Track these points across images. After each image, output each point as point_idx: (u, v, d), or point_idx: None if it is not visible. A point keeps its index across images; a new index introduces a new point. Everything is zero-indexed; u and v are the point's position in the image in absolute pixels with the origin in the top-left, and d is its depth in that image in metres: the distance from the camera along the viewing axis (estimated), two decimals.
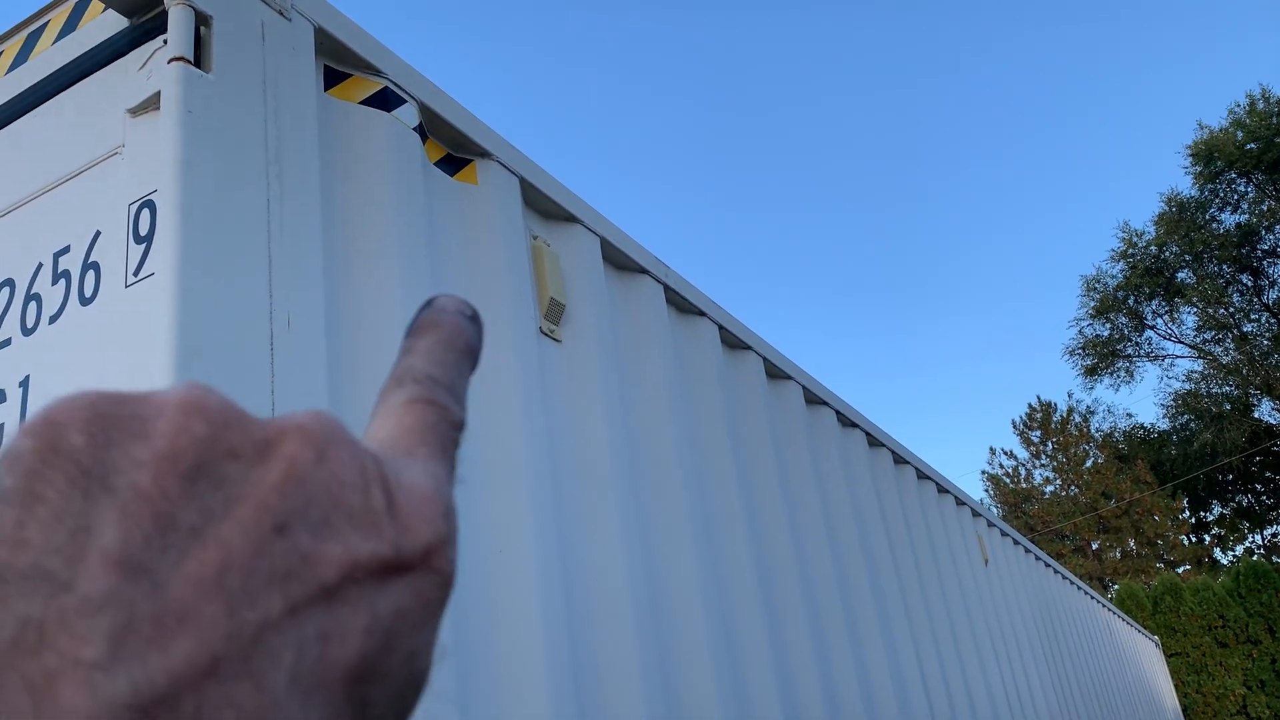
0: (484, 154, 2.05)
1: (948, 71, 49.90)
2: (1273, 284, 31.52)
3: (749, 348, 3.20)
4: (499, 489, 1.78)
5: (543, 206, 2.25)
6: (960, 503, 5.03)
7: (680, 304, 2.84)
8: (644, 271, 2.61)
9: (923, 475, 4.56)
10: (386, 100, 1.82)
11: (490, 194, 2.03)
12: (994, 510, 33.03)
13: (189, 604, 0.24)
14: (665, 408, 2.51)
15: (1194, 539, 33.18)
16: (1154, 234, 31.39)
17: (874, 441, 4.11)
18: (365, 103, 1.80)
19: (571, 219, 2.32)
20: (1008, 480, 34.11)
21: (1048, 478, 33.95)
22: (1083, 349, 32.83)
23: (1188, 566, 31.80)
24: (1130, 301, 32.15)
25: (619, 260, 2.54)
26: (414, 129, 1.86)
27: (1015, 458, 34.62)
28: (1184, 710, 20.82)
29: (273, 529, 0.25)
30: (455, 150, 2.02)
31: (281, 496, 0.26)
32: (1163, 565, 31.38)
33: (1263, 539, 33.35)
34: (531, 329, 2.00)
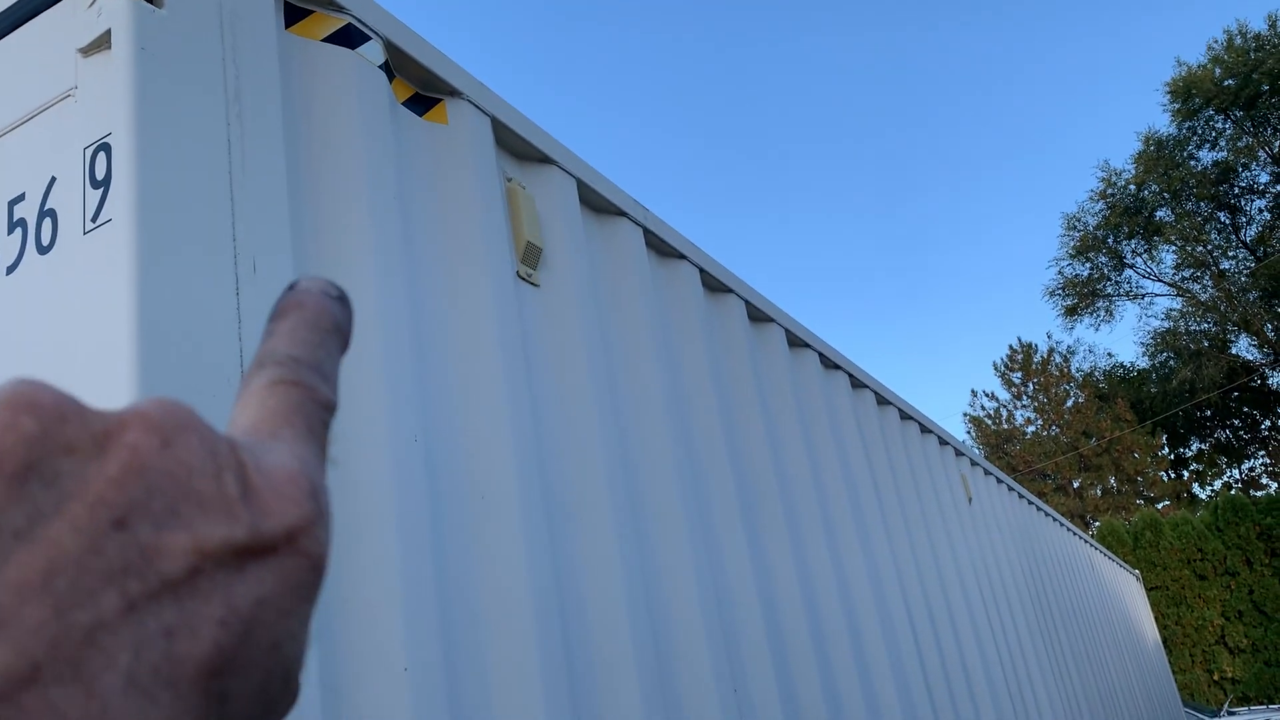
0: (454, 93, 1.99)
1: (929, 8, 49.46)
2: (1250, 221, 31.65)
3: (731, 291, 3.17)
4: (476, 440, 1.75)
5: (516, 147, 2.20)
6: (943, 443, 5.04)
7: (660, 247, 2.80)
8: (622, 214, 2.57)
9: (905, 416, 4.57)
10: (350, 37, 1.76)
11: (461, 134, 1.98)
12: (977, 451, 33.32)
13: (7, 610, 0.22)
14: (647, 351, 2.49)
15: (1173, 475, 33.63)
16: (1133, 173, 31.39)
17: (857, 383, 4.10)
18: (328, 40, 1.74)
19: (546, 160, 2.27)
20: (989, 422, 34.39)
21: (1029, 418, 34.26)
22: (1063, 289, 32.97)
23: (1167, 502, 32.26)
24: (1110, 241, 32.25)
25: (596, 203, 2.49)
26: (379, 67, 1.80)
27: (997, 399, 34.87)
28: (1164, 641, 21.24)
29: (110, 524, 0.24)
30: (424, 89, 1.96)
31: (120, 489, 0.25)
32: (1143, 501, 31.83)
33: (1240, 473, 33.83)
34: (508, 273, 1.96)
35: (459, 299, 1.83)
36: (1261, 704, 19.74)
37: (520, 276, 2.04)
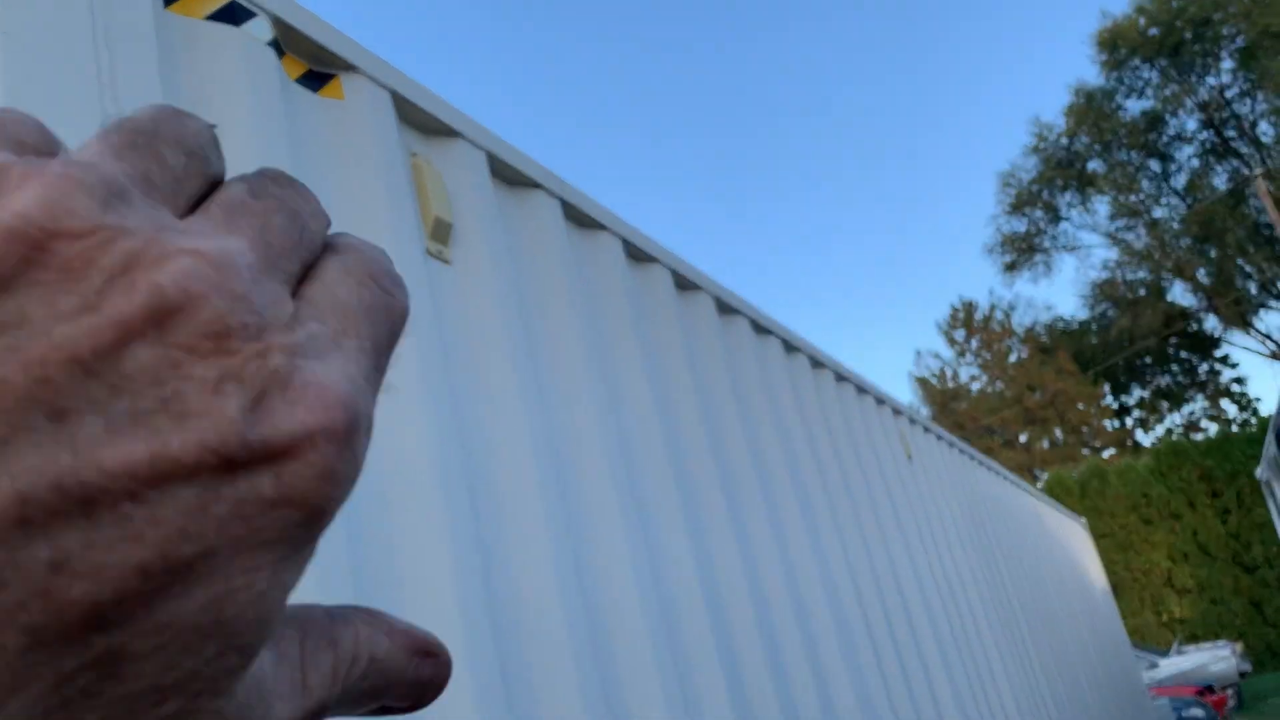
0: (349, 68, 1.94)
1: None
2: (1180, 168, 32.31)
3: (655, 260, 3.15)
4: (391, 421, 1.72)
5: (420, 121, 2.15)
6: (880, 401, 5.08)
7: (580, 218, 2.77)
8: (537, 186, 2.53)
9: (841, 377, 4.59)
10: (234, 14, 1.70)
11: (360, 110, 1.93)
12: (923, 411, 33.83)
13: None
14: (570, 326, 2.46)
15: (1117, 424, 34.40)
16: (1065, 126, 31.85)
17: (790, 348, 4.11)
18: (211, 18, 1.69)
19: (453, 133, 2.22)
20: (935, 381, 34.87)
21: (974, 375, 34.81)
22: (1001, 245, 33.47)
23: (1112, 450, 33.04)
24: (1045, 195, 32.73)
25: (509, 175, 2.45)
26: (268, 44, 1.75)
27: (941, 359, 35.38)
28: (1114, 587, 21.77)
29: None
30: (317, 65, 1.91)
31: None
32: (1088, 451, 32.55)
33: (1181, 418, 34.70)
34: (417, 251, 1.92)
35: None
36: (1209, 641, 20.34)
37: (430, 254, 2.01)
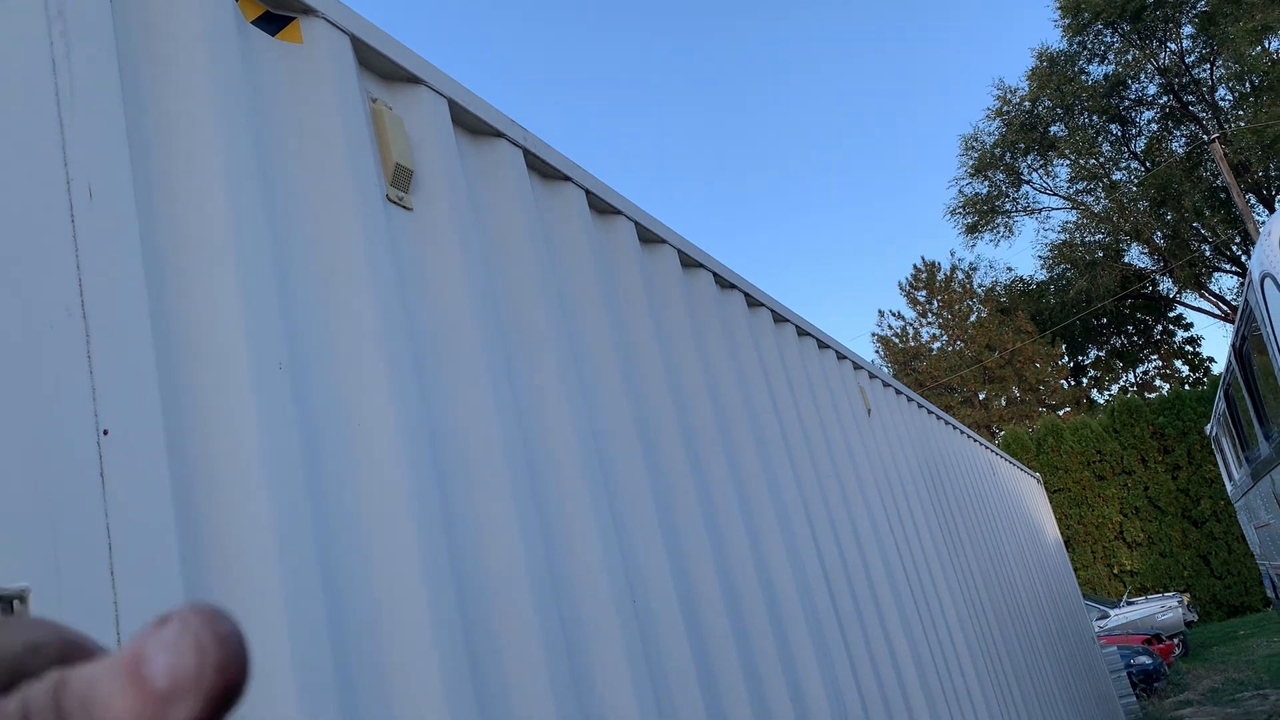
0: (308, 10, 1.91)
1: None
2: (1139, 132, 32.61)
3: (620, 213, 3.15)
4: (349, 365, 1.72)
5: (380, 67, 2.13)
6: (841, 356, 5.13)
7: (543, 169, 2.76)
8: (499, 135, 2.51)
9: (803, 332, 4.63)
10: None
11: (318, 53, 1.90)
12: (885, 369, 34.18)
13: None
14: (532, 276, 2.46)
15: (1073, 382, 34.94)
16: (1027, 89, 31.98)
17: (753, 302, 4.14)
18: None
19: (414, 80, 2.20)
20: (897, 340, 35.17)
21: (934, 334, 35.14)
22: (963, 208, 33.70)
23: (1068, 409, 33.56)
24: (1007, 158, 32.93)
25: (471, 124, 2.43)
26: None
27: (903, 318, 35.65)
28: (1066, 541, 22.24)
29: None
30: (275, 7, 1.88)
31: None
32: (1045, 409, 33.03)
33: (1135, 377, 35.33)
34: (377, 196, 1.91)
35: (324, 224, 1.78)
36: (1158, 593, 20.88)
37: (390, 200, 1.99)
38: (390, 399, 1.72)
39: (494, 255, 2.36)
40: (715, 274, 3.82)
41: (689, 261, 3.64)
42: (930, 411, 7.17)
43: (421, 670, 1.60)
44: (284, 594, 1.39)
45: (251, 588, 1.38)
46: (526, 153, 2.64)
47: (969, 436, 8.64)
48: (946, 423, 7.70)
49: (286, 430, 1.49)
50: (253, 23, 1.82)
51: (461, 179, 2.24)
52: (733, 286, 3.97)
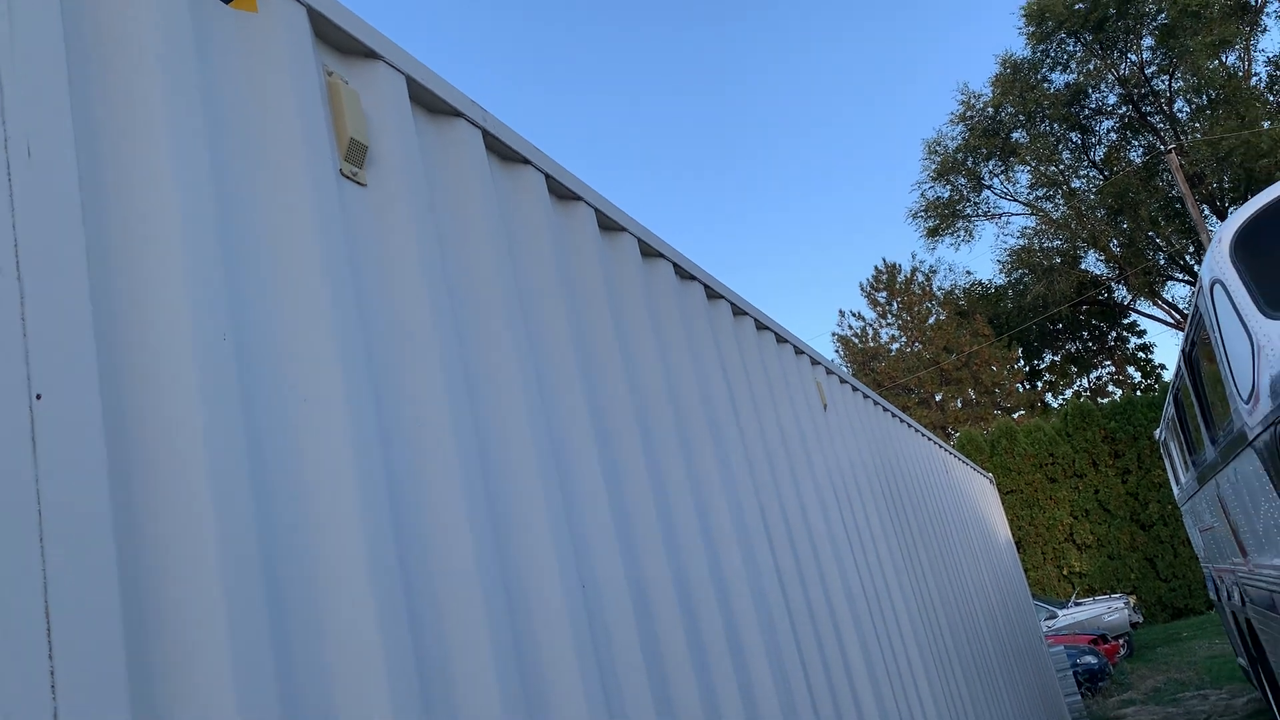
0: None
1: None
2: (1099, 141, 33.08)
3: (580, 199, 3.13)
4: (297, 339, 1.69)
5: (338, 40, 2.09)
6: (799, 351, 5.15)
7: (502, 151, 2.74)
8: (458, 114, 2.49)
9: (761, 326, 4.64)
10: None
11: (273, 23, 1.87)
12: (845, 369, 34.42)
13: None
14: (488, 260, 2.43)
15: (1028, 386, 35.40)
16: (991, 95, 32.32)
17: (712, 294, 4.14)
18: None
19: (372, 55, 2.17)
20: (856, 340, 35.43)
21: (894, 335, 35.45)
22: (925, 211, 34.02)
23: (1022, 411, 33.99)
24: (969, 163, 33.27)
25: (429, 102, 2.41)
26: None
27: (863, 319, 35.93)
28: (1018, 541, 22.54)
29: None
30: None
31: None
32: (1000, 411, 33.44)
33: (1089, 382, 35.87)
34: (330, 170, 1.88)
35: (274, 195, 1.75)
36: (1105, 594, 21.23)
37: (344, 175, 1.96)
38: (338, 374, 1.70)
39: (449, 235, 2.34)
40: (675, 264, 3.81)
41: (649, 251, 3.63)
42: (886, 409, 7.22)
43: (364, 651, 1.58)
44: (221, 572, 1.37)
45: (188, 565, 1.35)
46: (486, 134, 2.61)
47: (924, 435, 8.72)
48: (902, 421, 7.77)
49: (229, 403, 1.46)
50: None
51: (418, 157, 2.21)
52: (692, 278, 3.96)
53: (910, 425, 8.10)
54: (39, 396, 1.20)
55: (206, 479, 1.38)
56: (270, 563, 1.48)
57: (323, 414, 1.67)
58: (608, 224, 3.34)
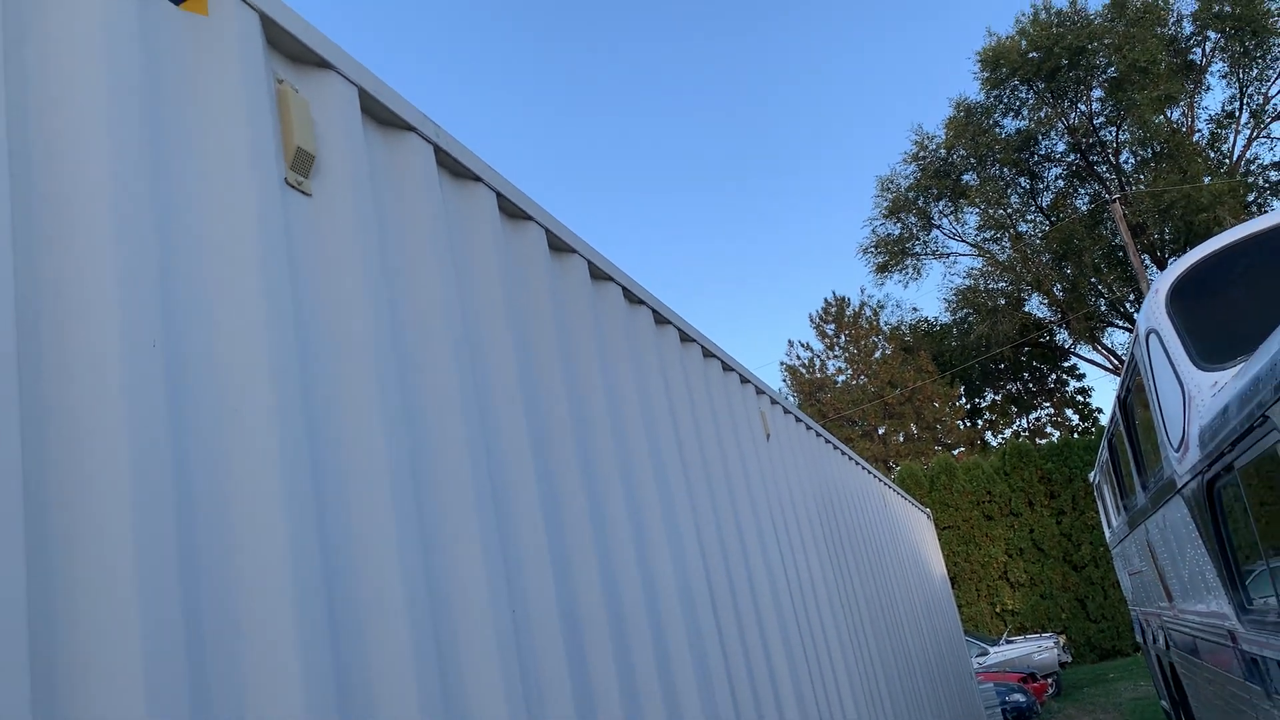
0: None
1: None
2: (1047, 187, 33.80)
3: (530, 218, 3.12)
4: (230, 349, 1.66)
5: (290, 49, 2.07)
6: (744, 380, 5.17)
7: (453, 167, 2.72)
8: (410, 129, 2.47)
9: (708, 353, 4.65)
10: None
11: (224, 27, 1.84)
12: (792, 398, 34.65)
13: None
14: (433, 277, 2.41)
15: (968, 423, 35.92)
16: (944, 137, 32.92)
17: (660, 319, 4.14)
18: None
19: (324, 65, 2.14)
20: (804, 371, 35.71)
21: (840, 368, 35.78)
22: (875, 247, 34.52)
23: (962, 449, 34.45)
24: (920, 202, 33.81)
25: (382, 115, 2.38)
26: None
27: (811, 349, 36.25)
28: (953, 577, 22.78)
29: None
30: None
31: None
32: (940, 447, 33.84)
33: (1028, 423, 36.48)
34: (274, 178, 1.85)
35: (214, 200, 1.72)
36: (1036, 633, 21.51)
37: (289, 183, 1.94)
38: (269, 388, 1.66)
39: (394, 251, 2.31)
40: (624, 288, 3.81)
41: (598, 274, 3.63)
42: (828, 441, 7.27)
43: (281, 670, 1.54)
44: (139, 586, 1.33)
45: (105, 580, 1.31)
46: (438, 149, 2.60)
47: (864, 468, 8.79)
48: (843, 453, 7.83)
49: (153, 410, 1.42)
50: None
51: (366, 169, 2.19)
52: (641, 302, 3.97)
53: (851, 458, 8.17)
54: None
55: (127, 485, 1.34)
56: (191, 575, 1.44)
57: (251, 427, 1.64)
58: (558, 244, 3.33)
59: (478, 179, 2.81)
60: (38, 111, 1.44)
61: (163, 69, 1.72)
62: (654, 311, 4.07)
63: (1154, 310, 4.67)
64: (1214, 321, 4.47)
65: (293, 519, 1.63)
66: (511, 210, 3.03)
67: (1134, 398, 5.63)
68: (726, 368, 4.89)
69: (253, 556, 1.57)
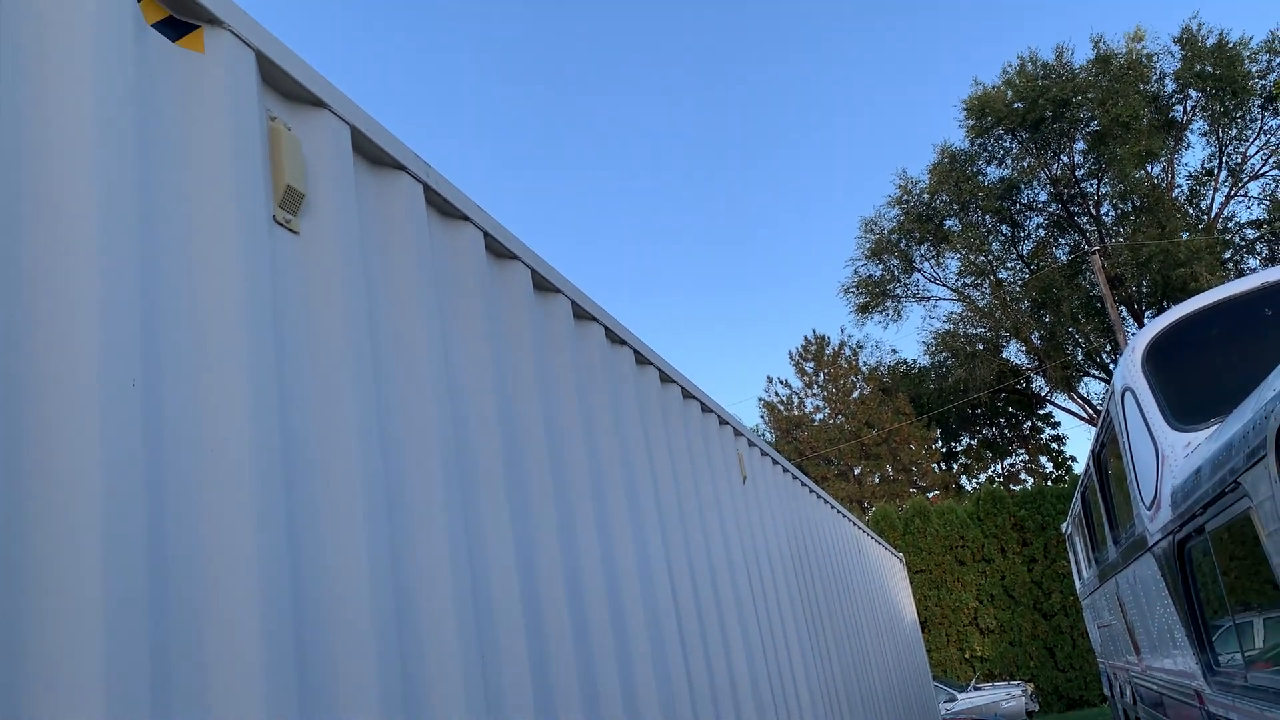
0: (213, 20, 1.86)
1: (751, 22, 50.69)
2: (1028, 236, 34.16)
3: (515, 257, 3.13)
4: (211, 386, 1.65)
5: (284, 87, 2.08)
6: (723, 422, 5.18)
7: (441, 206, 2.73)
8: (401, 168, 2.48)
9: (688, 395, 4.67)
10: None
11: (219, 64, 1.85)
12: (768, 435, 34.70)
13: None
14: (418, 315, 2.41)
15: (944, 467, 36.03)
16: (928, 183, 33.27)
17: (641, 359, 4.15)
18: None
19: (318, 103, 2.16)
20: (782, 408, 35.78)
21: (818, 406, 35.87)
22: (857, 287, 34.74)
23: (937, 492, 34.52)
24: (902, 245, 34.10)
25: (372, 153, 2.40)
26: None
27: (790, 387, 36.35)
28: (923, 621, 22.76)
29: None
30: (179, 13, 1.82)
31: None
32: (916, 490, 33.91)
33: (1003, 468, 36.64)
34: (263, 216, 1.86)
35: (201, 236, 1.72)
36: (1004, 680, 21.50)
37: (277, 221, 1.94)
38: (247, 430, 1.66)
39: (380, 289, 2.31)
40: (607, 328, 3.82)
41: (581, 313, 3.64)
42: (804, 484, 7.29)
43: (247, 686, 1.53)
44: (106, 620, 1.31)
45: (74, 608, 1.30)
46: (427, 189, 2.61)
47: (839, 513, 8.80)
48: (819, 497, 7.84)
49: (129, 449, 1.42)
50: (154, 25, 1.76)
51: (354, 208, 2.20)
52: (623, 342, 3.98)
53: (827, 501, 8.18)
54: None
55: (101, 520, 1.33)
56: (161, 604, 1.43)
57: (226, 466, 1.63)
58: (543, 284, 3.34)
59: (465, 218, 2.82)
60: (30, 150, 1.44)
61: (157, 104, 1.72)
62: (635, 352, 4.08)
63: (1130, 369, 4.72)
64: (1189, 382, 4.52)
65: (266, 561, 1.62)
66: (498, 250, 3.04)
67: (1108, 452, 5.67)
68: (706, 409, 4.90)
69: (220, 592, 1.56)
